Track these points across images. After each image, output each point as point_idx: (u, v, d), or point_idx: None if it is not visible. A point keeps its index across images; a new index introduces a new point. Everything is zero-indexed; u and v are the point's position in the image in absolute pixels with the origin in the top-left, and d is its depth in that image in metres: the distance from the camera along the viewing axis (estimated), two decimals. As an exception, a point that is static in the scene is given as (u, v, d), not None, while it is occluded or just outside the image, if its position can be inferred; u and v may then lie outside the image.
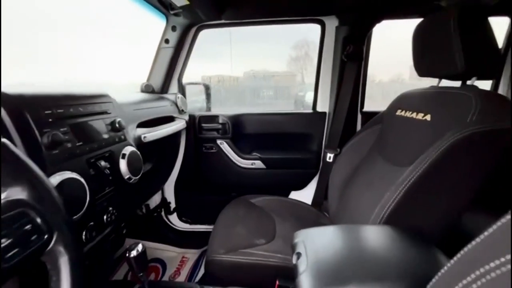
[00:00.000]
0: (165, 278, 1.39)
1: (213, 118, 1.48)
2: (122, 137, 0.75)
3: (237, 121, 1.47)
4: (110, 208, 0.77)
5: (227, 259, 0.86)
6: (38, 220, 0.34)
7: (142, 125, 1.00)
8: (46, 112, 0.53)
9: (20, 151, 0.35)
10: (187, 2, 1.03)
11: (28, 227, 0.32)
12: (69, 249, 0.37)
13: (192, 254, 1.55)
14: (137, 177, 0.78)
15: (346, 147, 1.17)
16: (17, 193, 0.33)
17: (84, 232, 0.66)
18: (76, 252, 0.38)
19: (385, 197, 0.69)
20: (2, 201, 0.31)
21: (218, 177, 1.55)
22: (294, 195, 1.55)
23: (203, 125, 1.49)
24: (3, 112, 0.46)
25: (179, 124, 1.25)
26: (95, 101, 0.68)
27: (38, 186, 0.35)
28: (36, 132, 0.50)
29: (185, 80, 1.54)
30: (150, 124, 1.07)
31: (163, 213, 1.63)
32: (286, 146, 1.52)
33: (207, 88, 1.68)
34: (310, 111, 1.50)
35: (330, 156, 1.35)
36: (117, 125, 0.72)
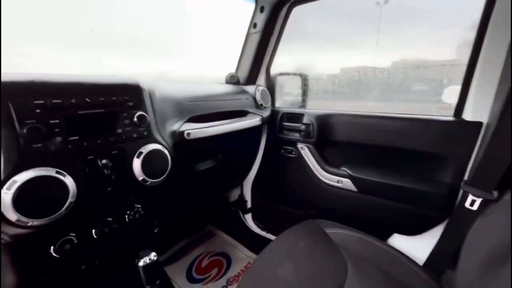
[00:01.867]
0: (224, 278, 1.33)
1: (297, 117, 1.21)
2: (145, 133, 0.68)
3: (325, 122, 1.13)
4: (138, 206, 0.73)
5: None
6: None
7: (199, 119, 0.91)
8: (36, 102, 0.50)
9: None
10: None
11: None
12: None
13: (257, 263, 1.41)
14: (158, 180, 0.69)
15: None
16: None
17: (95, 227, 0.64)
18: None
19: None
20: None
21: (295, 187, 1.29)
22: (398, 241, 1.05)
23: (285, 123, 1.25)
24: None
25: (249, 121, 1.08)
26: (113, 91, 0.63)
27: None
28: (16, 122, 0.48)
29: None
30: (216, 119, 0.97)
31: (240, 210, 1.57)
32: (396, 167, 1.03)
33: (303, 79, 1.42)
34: (450, 117, 0.91)
35: (473, 200, 0.77)
36: (135, 120, 0.65)
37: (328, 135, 1.13)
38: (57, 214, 0.50)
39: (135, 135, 0.65)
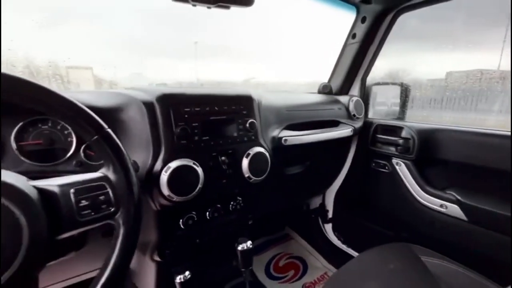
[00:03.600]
0: (300, 282, 1.37)
1: (394, 129, 1.13)
2: (253, 137, 0.79)
3: (429, 137, 1.02)
4: (239, 198, 0.85)
5: None
6: (111, 195, 0.44)
7: (294, 127, 0.98)
8: (186, 109, 0.67)
9: (119, 142, 0.46)
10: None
11: (101, 197, 0.43)
12: (126, 225, 0.45)
13: (334, 276, 1.38)
14: (259, 178, 0.79)
15: None
16: (107, 171, 0.45)
17: (209, 210, 0.79)
18: (132, 228, 0.45)
19: None
20: (96, 175, 0.44)
21: (385, 204, 1.20)
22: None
23: (379, 136, 1.19)
24: (159, 106, 0.64)
25: (341, 131, 1.09)
26: (233, 101, 0.76)
27: (121, 172, 0.45)
28: (173, 124, 0.65)
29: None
30: (309, 127, 1.03)
31: (320, 219, 1.57)
32: None
33: (404, 89, 1.32)
34: None
35: None
36: (247, 125, 0.76)
37: (432, 152, 1.02)
38: (190, 195, 0.65)
39: (245, 139, 0.77)
